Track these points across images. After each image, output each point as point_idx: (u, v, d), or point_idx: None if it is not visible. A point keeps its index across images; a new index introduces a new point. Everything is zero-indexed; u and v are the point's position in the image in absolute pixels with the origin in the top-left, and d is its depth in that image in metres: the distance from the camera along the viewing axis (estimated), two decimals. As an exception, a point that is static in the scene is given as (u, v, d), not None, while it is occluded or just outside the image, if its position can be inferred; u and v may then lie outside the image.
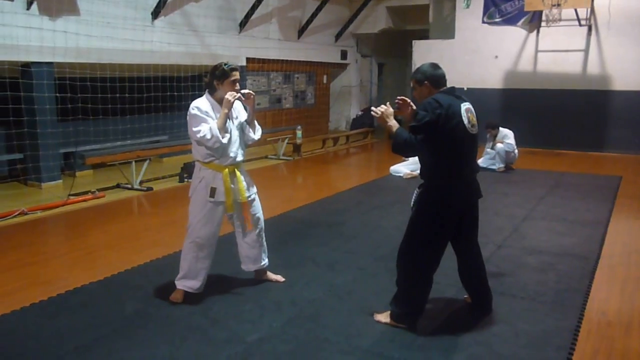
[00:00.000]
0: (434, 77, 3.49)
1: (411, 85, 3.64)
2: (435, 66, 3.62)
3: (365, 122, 14.38)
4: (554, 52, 11.93)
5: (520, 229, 5.94)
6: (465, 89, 12.90)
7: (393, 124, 3.43)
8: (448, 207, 3.45)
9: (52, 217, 6.49)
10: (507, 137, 9.36)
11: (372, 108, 3.56)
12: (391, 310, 3.60)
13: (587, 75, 11.74)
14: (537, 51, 12.16)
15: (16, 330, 3.55)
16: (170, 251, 5.08)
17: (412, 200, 3.55)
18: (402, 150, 3.46)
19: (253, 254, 4.24)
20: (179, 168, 8.73)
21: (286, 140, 11.11)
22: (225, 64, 3.85)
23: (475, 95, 12.55)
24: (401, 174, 8.86)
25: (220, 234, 5.47)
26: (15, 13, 7.26)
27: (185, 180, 8.46)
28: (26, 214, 6.41)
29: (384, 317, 3.63)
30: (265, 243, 4.31)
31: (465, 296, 3.93)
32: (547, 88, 12.05)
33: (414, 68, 13.52)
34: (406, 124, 3.47)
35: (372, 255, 5.00)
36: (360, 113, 15.15)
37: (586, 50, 11.69)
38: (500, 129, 9.42)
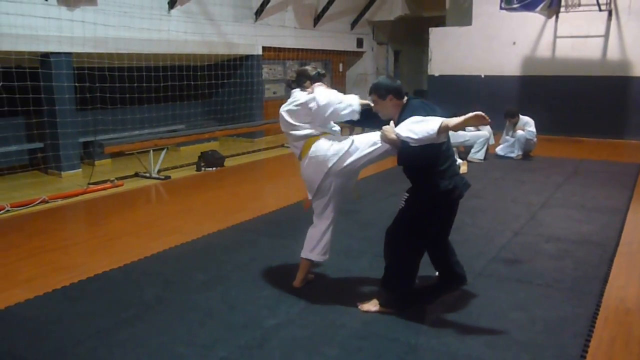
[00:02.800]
0: (396, 89, 3.54)
1: (372, 100, 3.66)
2: (392, 78, 3.73)
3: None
4: (573, 38, 11.74)
5: (538, 216, 5.91)
6: (483, 76, 12.81)
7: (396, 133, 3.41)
8: (447, 198, 3.47)
9: (72, 205, 6.59)
10: (528, 124, 9.27)
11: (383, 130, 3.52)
12: (383, 294, 3.64)
13: (606, 61, 11.55)
14: (555, 37, 11.98)
15: (39, 315, 3.63)
16: (188, 239, 5.14)
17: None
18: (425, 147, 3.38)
19: (326, 242, 3.95)
20: (196, 157, 8.79)
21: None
22: (319, 70, 3.96)
23: (493, 83, 12.57)
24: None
25: (233, 222, 5.53)
26: (34, 4, 7.33)
27: (203, 169, 8.53)
28: (47, 202, 6.51)
29: (372, 306, 3.63)
30: None
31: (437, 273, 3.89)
32: (566, 75, 11.89)
33: (430, 56, 13.48)
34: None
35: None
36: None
37: (606, 36, 11.49)
38: (521, 116, 9.34)
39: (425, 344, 3.23)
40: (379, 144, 3.56)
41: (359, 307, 3.65)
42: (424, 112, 3.40)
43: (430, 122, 3.24)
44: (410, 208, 3.51)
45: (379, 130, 3.57)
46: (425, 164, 3.42)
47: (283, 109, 3.85)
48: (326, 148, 3.68)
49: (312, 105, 3.68)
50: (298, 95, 3.81)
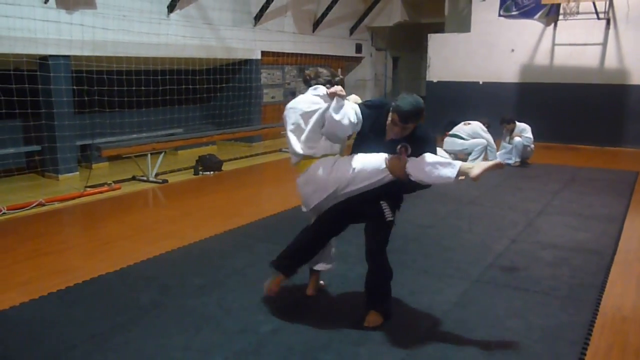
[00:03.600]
0: (421, 115, 3.39)
1: (390, 120, 3.36)
2: (417, 99, 3.38)
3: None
4: (571, 46, 11.78)
5: (535, 223, 5.91)
6: (481, 82, 12.83)
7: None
8: None
9: (69, 208, 6.57)
10: (525, 130, 9.30)
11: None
12: (384, 308, 3.56)
13: (604, 70, 11.59)
14: (554, 45, 12.02)
15: (34, 319, 3.61)
16: (185, 243, 5.13)
17: (387, 212, 3.45)
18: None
19: (328, 251, 3.92)
20: (193, 161, 8.78)
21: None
22: (337, 75, 3.74)
23: (491, 89, 12.60)
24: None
25: (230, 227, 5.53)
26: (32, 6, 7.33)
27: (200, 173, 8.52)
28: (44, 205, 6.49)
29: (374, 320, 3.51)
30: None
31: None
32: (564, 82, 11.92)
33: (429, 62, 13.51)
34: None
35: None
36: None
37: (604, 44, 11.53)
38: (517, 123, 9.37)
39: (422, 351, 3.22)
40: (384, 174, 3.31)
41: (366, 324, 3.49)
42: (433, 145, 3.36)
43: (447, 167, 3.19)
44: (390, 222, 3.46)
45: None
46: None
47: (298, 106, 3.52)
48: (327, 172, 3.43)
49: (327, 115, 3.39)
50: (320, 92, 3.50)
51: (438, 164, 3.22)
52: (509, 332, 3.46)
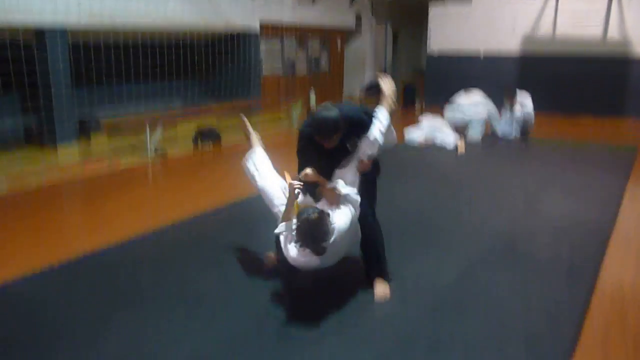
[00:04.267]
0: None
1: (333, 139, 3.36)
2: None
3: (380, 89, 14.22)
4: (573, 18, 11.64)
5: (534, 200, 5.91)
6: (482, 55, 12.71)
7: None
8: None
9: (68, 182, 6.55)
10: (525, 98, 9.21)
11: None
12: (385, 276, 3.65)
13: (607, 41, 11.48)
14: (556, 17, 11.87)
15: (36, 293, 3.63)
16: (185, 215, 5.14)
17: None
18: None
19: None
20: (192, 133, 8.73)
21: (299, 103, 11.03)
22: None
23: (492, 62, 12.48)
24: (415, 144, 8.82)
25: (230, 199, 5.54)
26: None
27: (200, 145, 8.48)
28: (43, 179, 6.47)
29: (383, 291, 3.60)
30: None
31: None
32: (566, 55, 11.82)
33: (429, 34, 13.35)
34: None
35: (383, 226, 5.00)
36: (374, 80, 14.99)
37: (607, 16, 11.39)
38: (518, 95, 9.28)
39: (421, 331, 3.24)
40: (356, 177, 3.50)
41: (375, 297, 3.54)
42: (365, 127, 3.51)
43: (374, 144, 3.47)
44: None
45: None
46: None
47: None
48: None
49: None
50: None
51: (368, 146, 3.43)
52: (508, 310, 3.48)
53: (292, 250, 3.16)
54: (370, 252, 3.66)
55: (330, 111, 3.29)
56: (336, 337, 3.13)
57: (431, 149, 8.62)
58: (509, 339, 3.16)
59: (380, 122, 3.48)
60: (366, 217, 3.55)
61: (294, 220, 3.14)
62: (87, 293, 3.64)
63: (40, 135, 8.12)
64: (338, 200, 3.29)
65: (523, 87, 10.02)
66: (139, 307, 3.47)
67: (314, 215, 3.06)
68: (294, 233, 3.12)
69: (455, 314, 3.45)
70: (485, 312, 3.47)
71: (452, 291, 3.76)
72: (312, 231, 3.05)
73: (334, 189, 3.31)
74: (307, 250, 3.10)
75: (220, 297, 3.58)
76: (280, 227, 3.26)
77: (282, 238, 3.27)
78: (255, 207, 5.49)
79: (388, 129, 3.50)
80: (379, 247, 3.68)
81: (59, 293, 3.66)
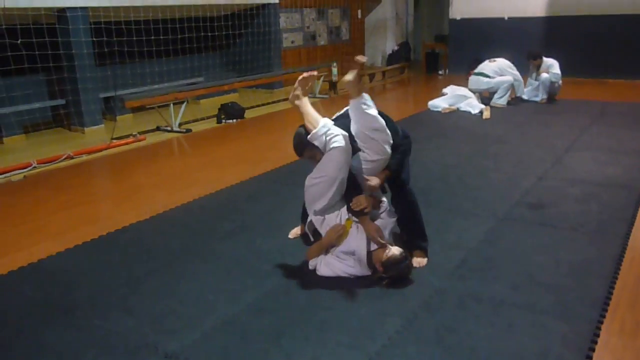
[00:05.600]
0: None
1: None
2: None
3: (402, 57, 14.07)
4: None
5: (562, 160, 5.83)
6: (506, 18, 12.43)
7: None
8: None
9: (97, 160, 6.67)
10: (552, 66, 9.03)
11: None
12: (424, 248, 3.64)
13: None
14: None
15: (71, 266, 3.74)
16: (212, 190, 5.20)
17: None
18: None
19: None
20: (216, 109, 8.78)
21: (322, 78, 10.99)
22: None
23: (516, 25, 12.20)
24: (439, 109, 8.72)
25: (255, 173, 5.55)
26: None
27: (223, 121, 8.53)
28: (72, 157, 6.61)
29: (420, 261, 3.57)
30: None
31: None
32: (593, 14, 11.47)
33: (451, -2, 13.10)
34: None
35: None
36: (396, 48, 14.81)
37: (636, -29, 11.01)
38: (545, 58, 9.09)
39: (450, 288, 3.26)
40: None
41: (414, 264, 3.52)
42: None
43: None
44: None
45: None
46: None
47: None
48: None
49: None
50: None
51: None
52: (537, 268, 3.47)
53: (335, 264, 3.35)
54: (411, 229, 3.64)
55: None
56: (366, 301, 3.16)
57: (455, 114, 8.52)
58: (539, 294, 3.16)
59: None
60: (405, 195, 3.57)
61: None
62: (120, 262, 3.74)
63: (67, 117, 8.26)
64: (379, 233, 3.31)
65: (549, 50, 9.81)
66: (170, 272, 3.55)
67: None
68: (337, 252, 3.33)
69: (483, 270, 3.45)
70: (514, 268, 3.47)
71: (480, 249, 3.76)
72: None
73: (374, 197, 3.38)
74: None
75: (249, 265, 3.64)
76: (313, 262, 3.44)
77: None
78: (281, 178, 5.55)
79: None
80: (421, 223, 3.64)
81: (94, 263, 3.75)
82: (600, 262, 3.53)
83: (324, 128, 3.21)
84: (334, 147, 3.13)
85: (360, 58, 3.14)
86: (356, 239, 3.29)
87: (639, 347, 2.69)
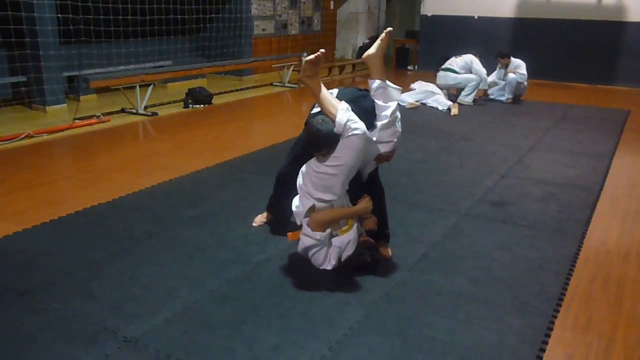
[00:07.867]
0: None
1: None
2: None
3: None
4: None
5: (525, 159, 5.96)
6: (477, 17, 12.59)
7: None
8: None
9: (59, 141, 6.51)
10: (519, 67, 9.21)
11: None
12: (387, 235, 3.67)
13: (602, 5, 11.38)
14: (551, -21, 11.75)
15: (28, 248, 3.64)
16: (176, 175, 5.14)
17: None
18: None
19: None
20: (183, 94, 8.65)
21: (291, 68, 10.95)
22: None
23: (486, 24, 12.38)
24: (405, 104, 8.79)
25: (221, 160, 5.50)
26: None
27: (190, 106, 8.42)
28: (32, 136, 6.43)
29: (386, 252, 3.60)
30: None
31: None
32: (560, 18, 11.73)
33: (423, -6, 13.19)
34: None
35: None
36: (367, 41, 14.83)
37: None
38: (512, 59, 9.26)
39: (412, 280, 3.31)
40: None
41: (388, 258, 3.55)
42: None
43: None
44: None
45: None
46: None
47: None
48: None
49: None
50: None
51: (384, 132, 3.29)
52: (496, 263, 3.55)
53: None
54: (380, 218, 3.61)
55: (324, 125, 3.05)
56: (328, 293, 3.18)
57: (422, 109, 8.61)
58: (497, 289, 3.24)
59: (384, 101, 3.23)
60: (378, 184, 3.58)
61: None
62: (80, 245, 3.66)
63: (28, 94, 8.02)
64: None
65: (517, 51, 9.98)
66: (131, 257, 3.50)
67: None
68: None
69: (444, 264, 3.52)
70: (473, 263, 3.55)
71: (442, 243, 3.83)
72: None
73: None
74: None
75: (212, 252, 3.62)
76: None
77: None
78: (248, 167, 5.52)
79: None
80: (386, 213, 3.64)
81: (53, 245, 3.67)
82: (557, 259, 3.63)
83: (347, 113, 3.00)
84: (354, 134, 2.97)
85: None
86: (349, 235, 3.21)
87: (590, 341, 2.78)
